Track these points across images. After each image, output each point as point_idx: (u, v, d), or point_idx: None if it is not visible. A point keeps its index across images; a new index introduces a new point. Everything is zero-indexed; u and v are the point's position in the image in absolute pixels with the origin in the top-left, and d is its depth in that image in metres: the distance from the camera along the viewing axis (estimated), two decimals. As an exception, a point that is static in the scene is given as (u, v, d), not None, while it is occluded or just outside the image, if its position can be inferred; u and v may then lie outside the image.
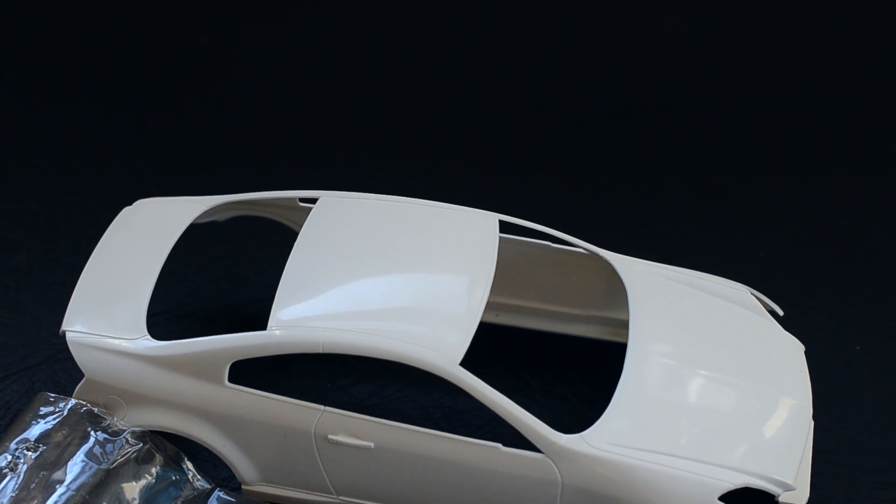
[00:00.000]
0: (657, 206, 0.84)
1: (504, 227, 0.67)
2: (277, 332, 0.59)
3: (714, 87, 0.97)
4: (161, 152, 0.88)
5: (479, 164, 0.88)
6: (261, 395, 0.60)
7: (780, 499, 0.58)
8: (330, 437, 0.59)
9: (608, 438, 0.58)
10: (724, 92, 0.97)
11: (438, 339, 0.58)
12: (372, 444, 0.59)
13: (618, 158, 0.89)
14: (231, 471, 0.62)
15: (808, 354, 0.66)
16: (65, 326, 0.62)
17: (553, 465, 0.58)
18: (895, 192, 0.87)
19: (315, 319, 0.60)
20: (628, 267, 0.67)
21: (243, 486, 0.62)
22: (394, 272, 0.63)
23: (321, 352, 0.59)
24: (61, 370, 0.70)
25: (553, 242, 0.69)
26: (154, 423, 0.61)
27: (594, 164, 0.89)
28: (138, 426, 0.61)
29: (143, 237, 0.67)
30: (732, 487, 0.57)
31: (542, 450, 0.58)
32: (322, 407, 0.59)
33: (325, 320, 0.60)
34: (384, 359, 0.58)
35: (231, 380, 0.60)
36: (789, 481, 0.58)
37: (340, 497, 0.61)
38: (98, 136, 0.89)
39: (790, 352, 0.65)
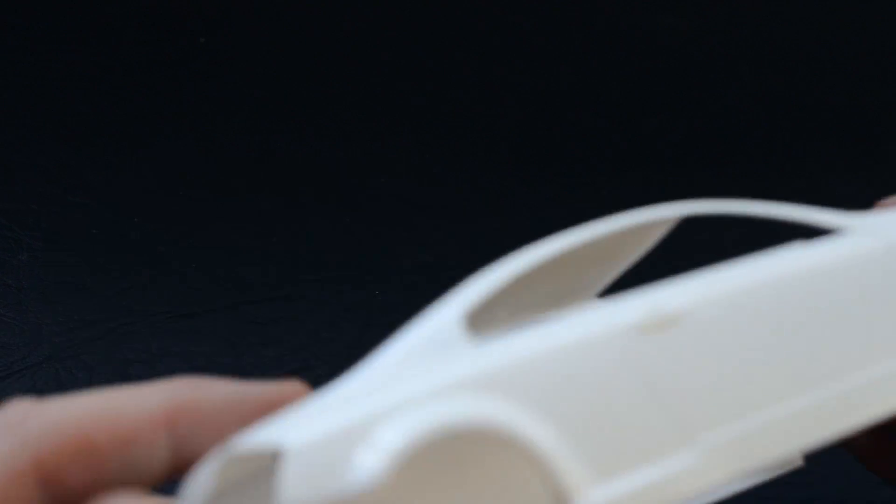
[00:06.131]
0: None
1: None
2: None
3: (712, 88, 0.98)
4: (163, 152, 0.88)
5: (478, 163, 0.89)
6: None
7: None
8: None
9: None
10: (723, 93, 0.97)
11: None
12: None
13: (616, 158, 0.89)
14: None
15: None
16: None
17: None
18: (891, 190, 0.87)
19: None
20: None
21: None
22: None
23: None
24: (63, 369, 0.70)
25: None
26: None
27: (591, 164, 0.89)
28: None
29: None
30: None
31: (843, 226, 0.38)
32: None
33: None
34: None
35: None
36: None
37: None
38: (100, 136, 0.89)
39: None
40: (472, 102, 0.95)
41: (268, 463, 0.26)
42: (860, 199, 0.87)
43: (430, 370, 0.27)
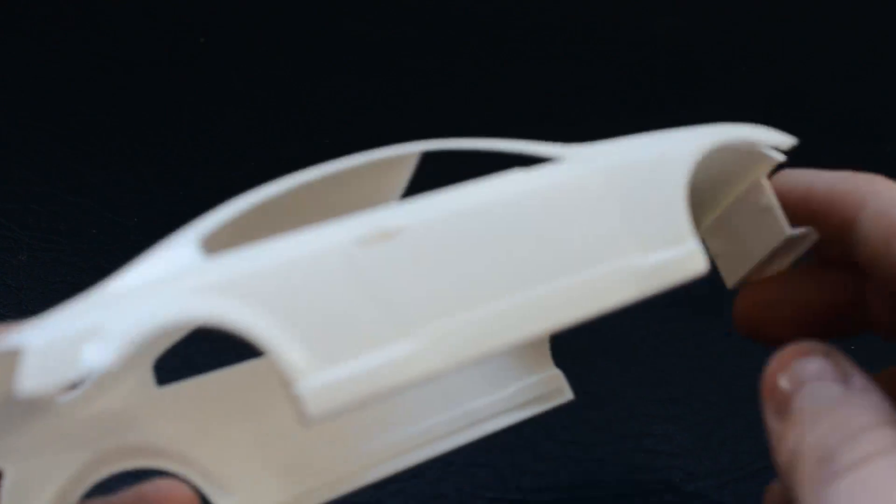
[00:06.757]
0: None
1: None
2: None
3: (712, 88, 0.98)
4: (163, 152, 0.88)
5: (478, 164, 0.89)
6: None
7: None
8: None
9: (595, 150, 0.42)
10: (722, 93, 0.97)
11: None
12: None
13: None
14: None
15: (806, 354, 0.67)
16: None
17: None
18: (892, 192, 0.87)
19: None
20: None
21: None
22: None
23: None
24: (62, 369, 0.70)
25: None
26: None
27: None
28: None
29: None
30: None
31: (559, 155, 0.40)
32: None
33: None
34: None
35: None
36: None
37: None
38: (99, 136, 0.89)
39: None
40: (471, 102, 0.96)
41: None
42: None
43: (162, 280, 0.30)
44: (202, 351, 0.58)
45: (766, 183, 0.43)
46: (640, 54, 1.00)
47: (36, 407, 0.36)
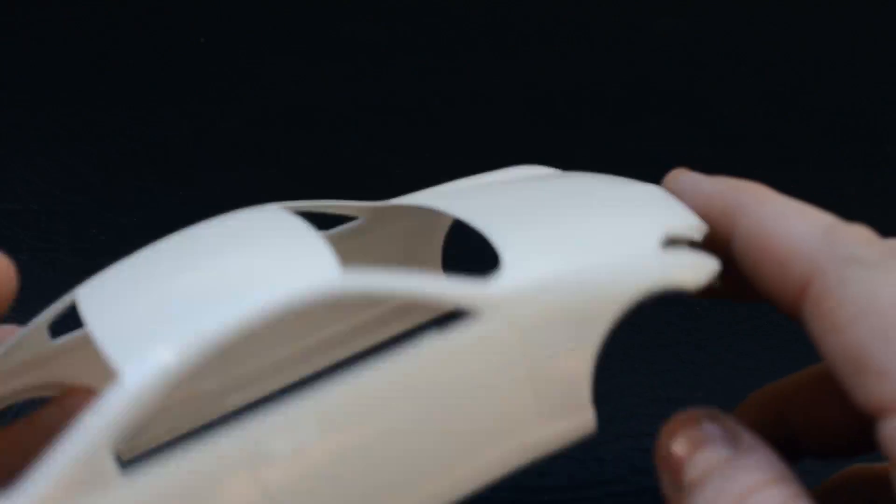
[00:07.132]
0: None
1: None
2: None
3: (712, 88, 0.98)
4: (163, 152, 0.88)
5: (479, 165, 0.89)
6: None
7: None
8: None
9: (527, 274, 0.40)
10: (723, 93, 0.97)
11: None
12: None
13: (616, 158, 0.89)
14: None
15: (806, 355, 0.66)
16: None
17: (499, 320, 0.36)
18: (890, 192, 0.87)
19: None
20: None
21: None
22: None
23: None
24: (62, 369, 0.70)
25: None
26: None
27: (591, 164, 0.89)
28: None
29: None
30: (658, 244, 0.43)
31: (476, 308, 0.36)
32: None
33: None
34: None
35: None
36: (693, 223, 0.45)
37: None
38: (99, 136, 0.89)
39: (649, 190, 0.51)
40: (472, 103, 0.96)
41: None
42: (860, 199, 0.87)
43: None
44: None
45: None
46: (640, 54, 1.00)
47: None
